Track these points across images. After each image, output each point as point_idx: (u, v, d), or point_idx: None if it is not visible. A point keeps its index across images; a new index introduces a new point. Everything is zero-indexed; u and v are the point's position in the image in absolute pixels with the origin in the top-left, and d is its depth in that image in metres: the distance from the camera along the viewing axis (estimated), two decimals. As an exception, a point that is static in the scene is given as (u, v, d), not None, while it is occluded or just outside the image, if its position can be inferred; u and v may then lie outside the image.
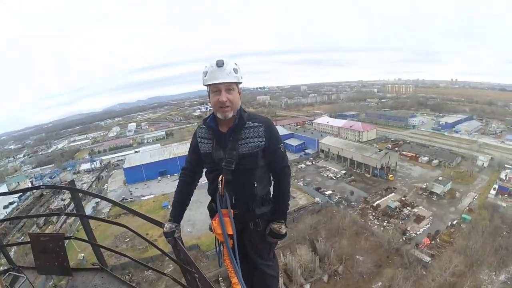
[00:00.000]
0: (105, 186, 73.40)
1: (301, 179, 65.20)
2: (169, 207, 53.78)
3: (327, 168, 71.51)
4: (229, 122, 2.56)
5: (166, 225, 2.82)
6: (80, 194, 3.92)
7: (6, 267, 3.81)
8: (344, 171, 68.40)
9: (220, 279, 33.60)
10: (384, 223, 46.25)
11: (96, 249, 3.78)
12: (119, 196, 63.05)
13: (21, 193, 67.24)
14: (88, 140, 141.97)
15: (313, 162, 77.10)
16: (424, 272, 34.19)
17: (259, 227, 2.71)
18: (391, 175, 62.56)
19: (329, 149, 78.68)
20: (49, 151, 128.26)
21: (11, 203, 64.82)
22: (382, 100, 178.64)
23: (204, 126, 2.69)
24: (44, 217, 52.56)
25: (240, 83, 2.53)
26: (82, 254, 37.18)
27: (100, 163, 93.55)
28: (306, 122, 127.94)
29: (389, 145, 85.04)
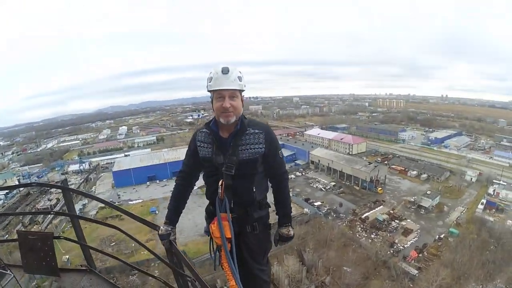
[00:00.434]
0: (93, 189, 72.30)
1: (291, 190, 64.83)
2: (157, 212, 53.40)
3: (317, 180, 71.74)
4: (230, 128, 2.59)
5: (161, 227, 2.83)
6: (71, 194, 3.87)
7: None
8: (333, 183, 68.67)
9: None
10: (372, 236, 46.41)
11: (85, 250, 3.73)
12: (106, 199, 61.94)
13: (7, 191, 65.84)
14: (78, 141, 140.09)
15: (303, 173, 77.26)
16: (411, 285, 34.33)
17: (256, 230, 2.75)
18: (380, 188, 62.99)
19: (319, 160, 79.07)
20: (38, 150, 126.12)
21: (-4, 201, 63.30)
22: (373, 114, 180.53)
23: (204, 130, 2.72)
24: (30, 217, 51.58)
25: (243, 90, 2.58)
26: (67, 256, 36.31)
27: (89, 165, 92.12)
28: (297, 133, 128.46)
29: (379, 159, 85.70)
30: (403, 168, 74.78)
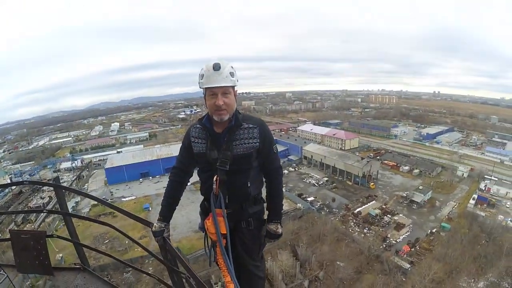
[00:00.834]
0: (86, 186, 71.87)
1: (284, 185, 65.07)
2: (150, 209, 53.21)
3: (310, 175, 72.14)
4: (224, 123, 2.56)
5: (155, 224, 2.81)
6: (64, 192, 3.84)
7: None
8: (326, 178, 69.15)
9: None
10: (365, 230, 46.89)
11: (78, 248, 3.70)
12: (99, 196, 61.42)
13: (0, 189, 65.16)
14: (70, 138, 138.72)
15: (296, 169, 77.68)
16: (404, 279, 34.76)
17: (251, 225, 2.74)
18: (372, 183, 63.55)
19: (312, 156, 79.46)
20: (30, 147, 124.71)
21: (-12, 200, 62.48)
22: (366, 109, 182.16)
23: (198, 126, 2.69)
24: (23, 215, 51.03)
25: (236, 86, 2.55)
26: (61, 254, 36.07)
27: (81, 162, 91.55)
28: (290, 129, 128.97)
29: (371, 154, 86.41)
30: (395, 164, 75.53)
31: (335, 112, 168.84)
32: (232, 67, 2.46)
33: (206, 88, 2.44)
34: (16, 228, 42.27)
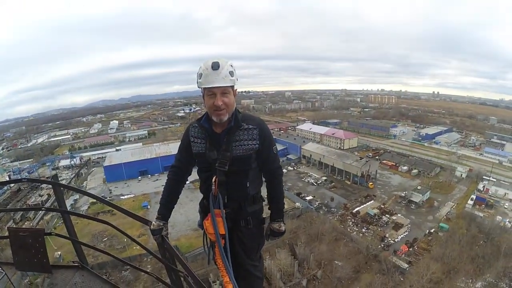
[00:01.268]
0: (84, 184, 71.81)
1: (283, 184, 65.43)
2: (148, 207, 53.23)
3: (308, 174, 72.21)
4: (223, 123, 2.52)
5: (153, 222, 2.79)
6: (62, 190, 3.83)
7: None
8: (325, 178, 69.21)
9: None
10: (363, 230, 46.95)
11: (77, 246, 3.70)
12: (98, 194, 61.53)
13: (-1, 187, 65.11)
14: (69, 136, 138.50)
15: (295, 168, 77.68)
16: (401, 279, 34.84)
17: (250, 224, 2.73)
18: (371, 183, 63.64)
19: (311, 155, 79.52)
20: (29, 145, 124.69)
21: (-14, 198, 62.38)
22: (365, 109, 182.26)
23: (197, 125, 2.66)
24: (21, 213, 50.93)
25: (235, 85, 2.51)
26: (59, 252, 35.99)
27: (80, 160, 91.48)
28: (289, 128, 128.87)
29: (370, 154, 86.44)
30: (394, 163, 75.60)
31: (334, 111, 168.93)
32: (231, 65, 2.41)
33: (204, 88, 2.40)
34: (14, 226, 42.19)
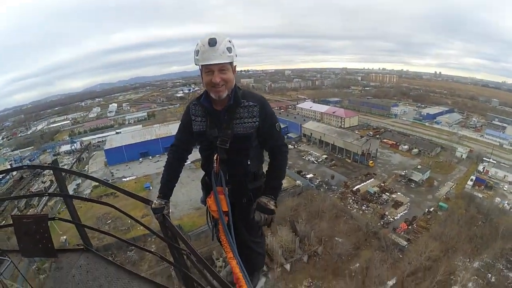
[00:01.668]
0: (86, 168, 72.06)
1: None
2: (151, 188, 53.71)
3: (309, 152, 72.55)
4: (223, 100, 2.47)
5: (155, 201, 2.81)
6: (64, 174, 3.84)
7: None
8: (325, 156, 69.53)
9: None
10: (363, 207, 47.60)
11: (80, 229, 3.74)
12: (100, 177, 61.53)
13: (0, 176, 65.22)
14: (68, 121, 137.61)
15: (295, 146, 77.65)
16: (400, 256, 35.54)
17: (251, 201, 2.73)
18: (371, 161, 63.96)
19: (311, 133, 79.56)
20: (28, 133, 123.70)
21: (-10, 187, 62.71)
22: (366, 88, 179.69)
23: (197, 103, 2.63)
24: (25, 201, 51.07)
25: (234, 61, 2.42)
26: (64, 237, 36.65)
27: (81, 145, 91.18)
28: (290, 107, 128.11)
29: (371, 132, 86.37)
30: (395, 142, 75.72)
31: (334, 90, 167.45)
32: (229, 41, 2.32)
33: (202, 65, 2.33)
34: (19, 213, 42.63)
